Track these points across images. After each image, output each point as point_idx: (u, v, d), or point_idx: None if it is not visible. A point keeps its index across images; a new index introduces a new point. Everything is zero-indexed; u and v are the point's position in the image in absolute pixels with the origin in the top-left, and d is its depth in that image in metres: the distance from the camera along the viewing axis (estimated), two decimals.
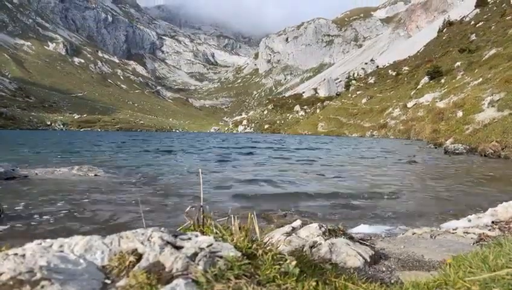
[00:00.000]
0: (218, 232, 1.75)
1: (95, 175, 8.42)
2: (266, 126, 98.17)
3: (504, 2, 79.83)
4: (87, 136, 43.80)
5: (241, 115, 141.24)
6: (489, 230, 3.78)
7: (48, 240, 1.36)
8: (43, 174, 8.28)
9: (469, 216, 4.36)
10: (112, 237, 1.43)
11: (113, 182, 7.62)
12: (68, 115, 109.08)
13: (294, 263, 1.44)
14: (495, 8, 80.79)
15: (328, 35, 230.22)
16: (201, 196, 2.02)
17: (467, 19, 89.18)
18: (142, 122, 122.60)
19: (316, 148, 22.79)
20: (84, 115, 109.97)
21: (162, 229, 1.52)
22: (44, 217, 4.60)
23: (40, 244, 1.33)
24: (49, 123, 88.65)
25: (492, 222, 4.14)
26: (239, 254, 1.37)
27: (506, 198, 4.76)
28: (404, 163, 13.28)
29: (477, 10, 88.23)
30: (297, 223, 3.34)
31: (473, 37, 67.64)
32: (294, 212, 4.90)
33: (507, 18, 64.40)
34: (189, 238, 1.50)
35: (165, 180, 8.09)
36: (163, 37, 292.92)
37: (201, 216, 1.94)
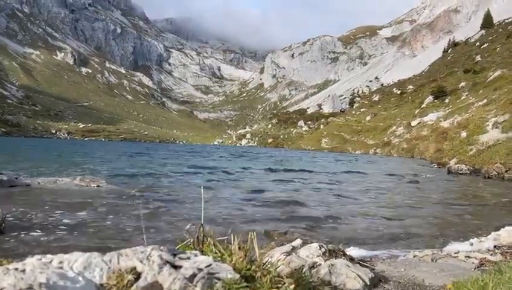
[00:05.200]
0: (217, 251, 1.75)
1: (97, 186, 8.43)
2: (270, 140, 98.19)
3: (510, 24, 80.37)
4: (92, 146, 43.96)
5: (245, 128, 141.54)
6: (491, 255, 3.74)
7: (48, 256, 1.36)
8: (45, 183, 8.30)
9: (471, 240, 4.32)
10: (112, 254, 1.43)
11: (115, 194, 7.63)
12: (73, 124, 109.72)
13: (292, 286, 1.43)
14: (500, 30, 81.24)
15: (334, 52, 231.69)
16: (202, 213, 2.03)
17: (472, 40, 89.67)
18: (146, 133, 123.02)
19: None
20: (89, 125, 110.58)
21: (162, 247, 1.52)
22: (45, 228, 4.60)
23: (40, 259, 1.34)
24: (53, 131, 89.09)
25: (495, 247, 4.10)
26: (237, 276, 1.37)
27: (510, 222, 4.72)
28: (407, 183, 13.22)
29: (483, 31, 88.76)
30: (298, 242, 3.33)
31: (478, 58, 67.89)
32: (295, 230, 4.88)
33: None
34: (188, 258, 1.50)
35: (166, 194, 8.09)
36: (171, 50, 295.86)
37: (201, 235, 1.95)
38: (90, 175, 9.51)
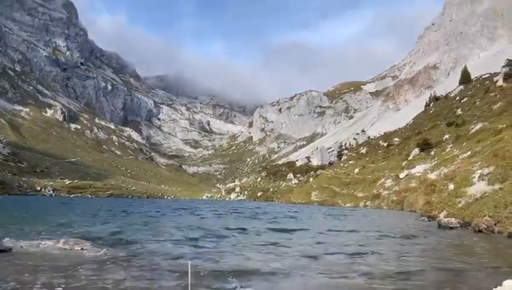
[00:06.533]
0: None
1: (82, 249, 8.17)
2: (259, 193, 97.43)
3: (487, 79, 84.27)
4: (77, 203, 43.04)
5: (234, 182, 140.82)
6: None
7: None
8: (28, 247, 8.04)
9: None
10: None
11: (99, 260, 7.36)
12: (59, 180, 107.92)
13: None
14: (478, 85, 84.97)
15: (320, 106, 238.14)
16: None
17: (452, 94, 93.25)
18: (133, 188, 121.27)
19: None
20: (76, 181, 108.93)
21: None
22: None
23: None
24: (39, 188, 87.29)
25: None
26: None
27: (501, 280, 4.66)
28: (399, 238, 13.10)
29: (462, 87, 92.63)
30: None
31: (459, 111, 70.27)
32: None
33: (491, 94, 67.49)
34: None
35: (152, 263, 7.66)
36: (160, 105, 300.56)
37: None
38: (73, 238, 9.24)
